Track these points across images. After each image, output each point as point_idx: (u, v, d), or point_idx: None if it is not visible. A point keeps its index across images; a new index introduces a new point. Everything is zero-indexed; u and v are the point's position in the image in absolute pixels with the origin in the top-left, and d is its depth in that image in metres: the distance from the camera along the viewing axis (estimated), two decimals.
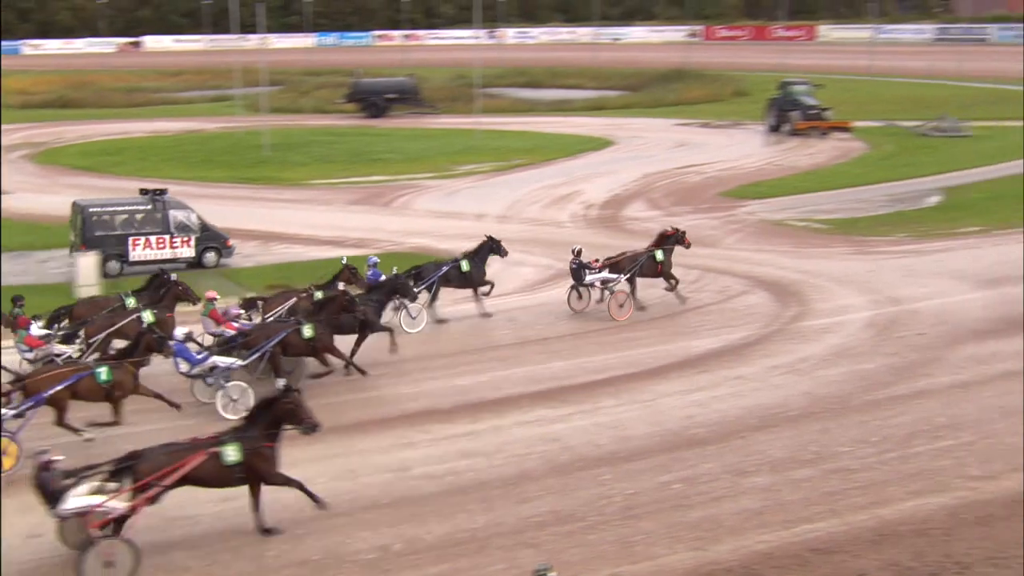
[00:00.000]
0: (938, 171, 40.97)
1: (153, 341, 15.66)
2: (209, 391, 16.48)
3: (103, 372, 14.87)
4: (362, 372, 17.77)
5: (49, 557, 12.27)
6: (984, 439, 15.18)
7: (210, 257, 26.28)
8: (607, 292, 21.37)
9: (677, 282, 22.08)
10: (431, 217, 32.58)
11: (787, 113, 52.95)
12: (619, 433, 15.84)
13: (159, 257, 25.58)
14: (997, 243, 26.78)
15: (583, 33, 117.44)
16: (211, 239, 26.31)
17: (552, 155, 46.03)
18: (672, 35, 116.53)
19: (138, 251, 25.68)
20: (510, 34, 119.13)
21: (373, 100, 60.31)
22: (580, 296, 21.89)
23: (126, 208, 25.96)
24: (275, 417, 12.54)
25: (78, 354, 16.58)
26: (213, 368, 16.34)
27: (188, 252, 26.03)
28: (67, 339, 17.19)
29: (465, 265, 21.24)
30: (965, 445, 15.01)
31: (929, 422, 15.88)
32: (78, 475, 11.77)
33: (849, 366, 18.53)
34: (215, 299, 18.24)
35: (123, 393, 14.99)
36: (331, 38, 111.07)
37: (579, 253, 21.61)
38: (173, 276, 19.12)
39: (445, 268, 21.09)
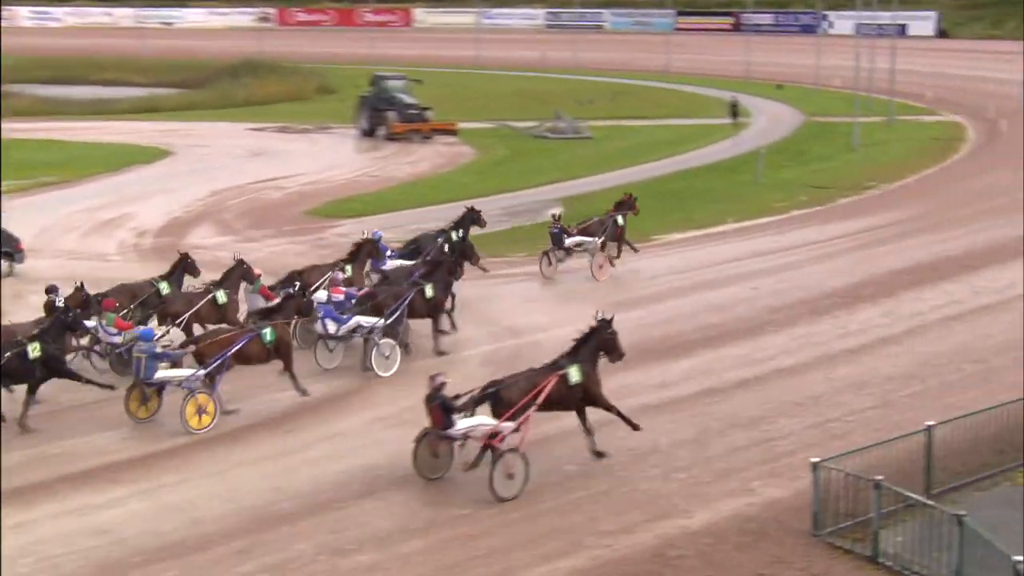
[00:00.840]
0: (558, 178, 44.29)
1: (302, 303, 20.22)
2: (330, 357, 21.20)
3: (268, 333, 19.19)
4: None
5: None
6: (618, 487, 16.43)
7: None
8: (587, 255, 27.79)
9: (636, 251, 28.99)
10: None
11: (382, 113, 54.55)
12: (187, 516, 15.50)
13: None
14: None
15: (123, 15, 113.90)
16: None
17: (91, 170, 44.52)
18: (238, 19, 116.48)
19: None
20: (23, 14, 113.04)
21: None
22: (551, 263, 27.87)
23: None
24: (597, 346, 17.19)
25: (161, 334, 20.19)
26: (357, 328, 21.12)
27: None
28: (143, 322, 20.94)
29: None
30: (598, 496, 16.17)
31: (558, 471, 16.93)
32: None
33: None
34: (260, 276, 22.52)
35: (286, 351, 19.42)
36: None
37: (559, 218, 28.26)
38: (236, 255, 22.95)
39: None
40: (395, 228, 33.29)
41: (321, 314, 20.98)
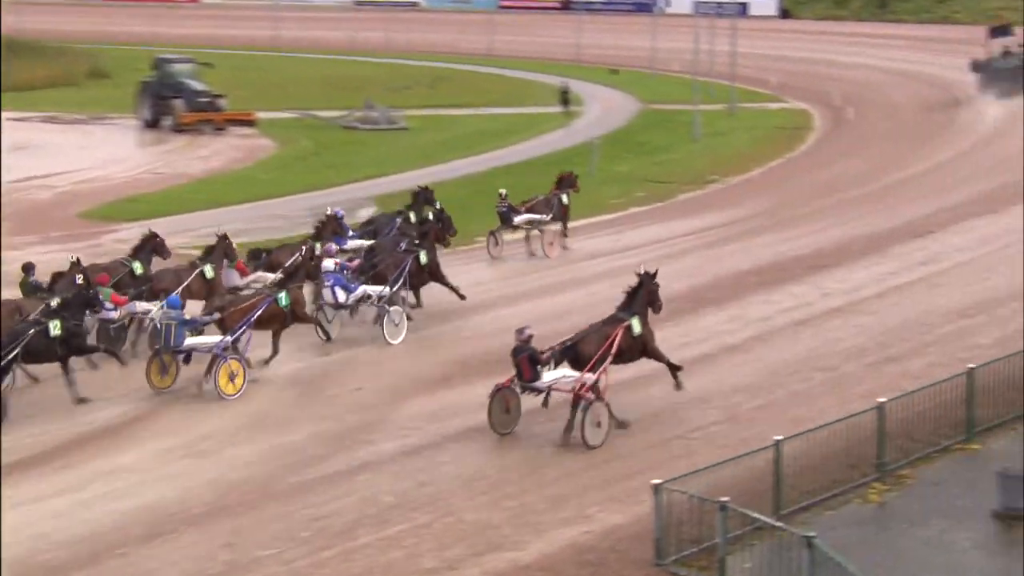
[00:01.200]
0: (370, 174, 44.26)
1: (312, 269, 23.33)
2: (331, 327, 23.93)
3: (283, 297, 21.99)
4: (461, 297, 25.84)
5: None
6: (442, 518, 16.50)
7: None
8: (537, 231, 31.19)
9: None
10: None
11: (167, 102, 53.62)
12: None
13: None
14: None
15: None
16: None
17: None
18: None
19: None
20: None
21: None
22: (497, 242, 30.96)
23: None
24: (646, 298, 19.96)
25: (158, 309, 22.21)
26: (366, 297, 24.18)
27: None
28: (137, 297, 23.26)
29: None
30: (419, 529, 16.21)
31: (375, 503, 16.93)
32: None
33: (269, 440, 19.22)
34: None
35: (301, 308, 22.54)
36: None
37: (506, 196, 31.06)
38: (220, 230, 25.55)
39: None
40: (186, 232, 32.73)
41: (331, 283, 23.96)
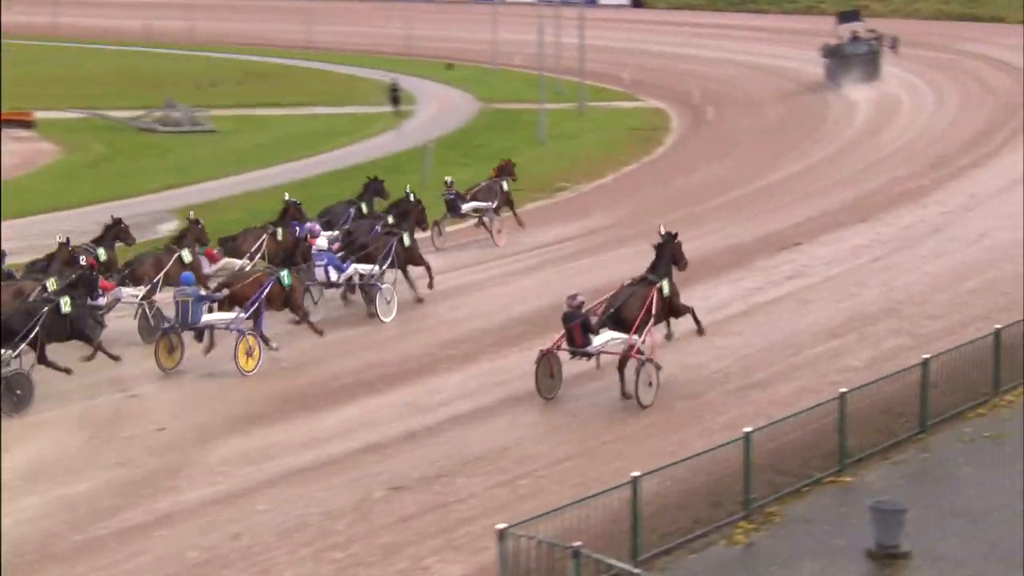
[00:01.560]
0: (172, 183, 43.71)
1: (307, 250, 26.47)
2: (316, 309, 27.03)
3: (285, 276, 24.89)
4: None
5: None
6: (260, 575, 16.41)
7: None
8: (486, 218, 35.05)
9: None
10: None
11: None
12: None
13: None
14: None
15: None
16: None
17: None
18: None
19: None
20: None
21: None
22: (441, 233, 34.32)
23: None
24: (671, 258, 23.45)
25: (144, 294, 26.09)
26: (357, 276, 27.73)
27: None
28: (121, 283, 26.25)
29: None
30: None
31: (178, 560, 16.71)
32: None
33: (52, 490, 18.89)
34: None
35: (298, 295, 25.30)
36: None
37: (452, 184, 34.67)
38: (192, 215, 29.45)
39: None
40: None
41: (324, 262, 27.24)
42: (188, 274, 25.30)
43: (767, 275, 31.01)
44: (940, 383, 20.65)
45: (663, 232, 23.86)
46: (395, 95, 61.26)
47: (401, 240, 28.54)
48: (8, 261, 26.86)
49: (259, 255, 29.23)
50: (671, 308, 23.43)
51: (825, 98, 63.05)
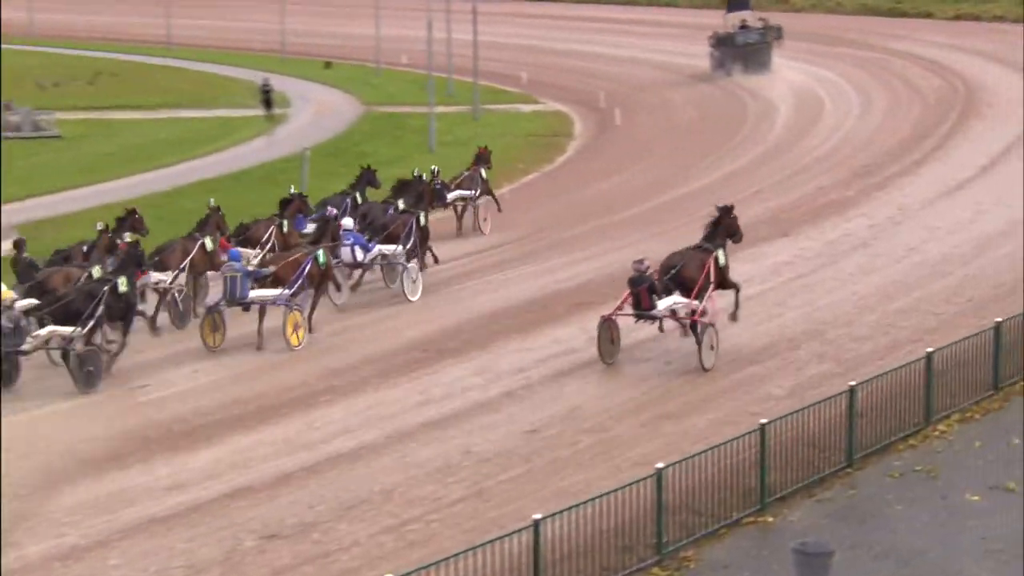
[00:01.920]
0: (14, 195, 43.03)
1: (336, 230, 30.85)
2: (338, 295, 30.64)
3: (321, 255, 28.78)
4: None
5: None
6: None
7: None
8: (471, 207, 39.05)
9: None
10: None
11: None
12: None
13: None
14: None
15: None
16: None
17: None
18: None
19: None
20: None
21: None
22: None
23: None
24: (725, 231, 26.96)
25: (172, 279, 29.68)
26: (381, 256, 31.80)
27: None
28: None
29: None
30: None
31: None
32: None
33: None
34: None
35: (332, 272, 29.70)
36: None
37: (438, 172, 38.07)
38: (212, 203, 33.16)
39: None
40: None
41: (351, 241, 30.83)
42: (236, 251, 29.32)
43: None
44: (868, 413, 20.94)
45: (719, 205, 27.39)
46: (267, 97, 61.07)
47: (418, 219, 32.76)
48: None
49: (268, 245, 32.13)
50: (722, 280, 26.50)
51: (742, 101, 63.82)
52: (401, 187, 35.78)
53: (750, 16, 72.63)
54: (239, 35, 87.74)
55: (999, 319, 24.05)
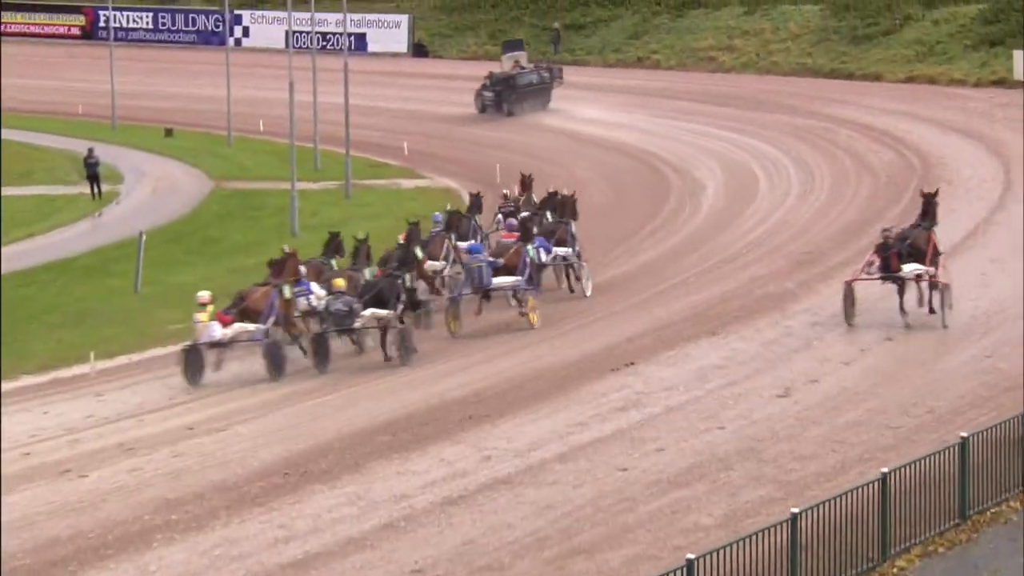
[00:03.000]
0: None
1: (530, 231, 41.25)
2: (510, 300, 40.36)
3: (531, 249, 39.86)
4: None
5: None
6: None
7: None
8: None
9: None
10: None
11: None
12: None
13: None
14: None
15: None
16: None
17: None
18: None
19: None
20: None
21: None
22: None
23: None
24: (933, 213, 39.01)
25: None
26: (560, 258, 42.97)
27: None
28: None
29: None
30: None
31: None
32: None
33: None
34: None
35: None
36: None
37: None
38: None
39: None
40: None
41: (536, 244, 40.28)
42: (477, 244, 40.77)
43: (593, 406, 31.23)
44: (813, 545, 21.01)
45: (925, 191, 39.36)
46: (93, 170, 60.51)
47: (569, 227, 42.93)
48: None
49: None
50: (934, 258, 36.94)
51: (665, 177, 64.08)
52: (545, 201, 46.24)
53: (523, 57, 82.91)
54: (58, 97, 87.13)
55: (963, 434, 24.27)
